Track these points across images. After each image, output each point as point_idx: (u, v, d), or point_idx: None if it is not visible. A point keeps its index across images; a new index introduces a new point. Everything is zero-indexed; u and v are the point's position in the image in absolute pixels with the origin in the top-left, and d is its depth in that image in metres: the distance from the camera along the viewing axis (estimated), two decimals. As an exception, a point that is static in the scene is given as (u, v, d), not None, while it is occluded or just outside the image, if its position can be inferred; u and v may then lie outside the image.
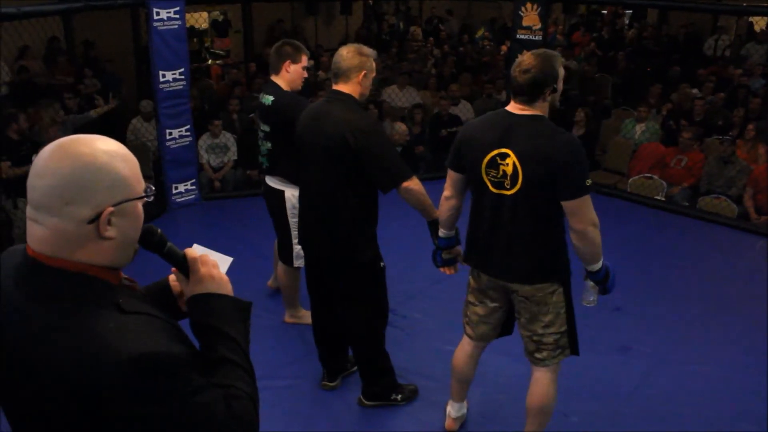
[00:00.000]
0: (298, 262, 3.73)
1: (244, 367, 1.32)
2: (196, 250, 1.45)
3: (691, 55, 10.70)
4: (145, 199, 1.28)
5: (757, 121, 7.15)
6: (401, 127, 7.06)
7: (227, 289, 1.39)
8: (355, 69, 2.91)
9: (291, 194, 3.66)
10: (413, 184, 2.88)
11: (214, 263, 1.41)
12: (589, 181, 2.45)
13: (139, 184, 1.26)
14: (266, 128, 3.67)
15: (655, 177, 6.65)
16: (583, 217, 2.46)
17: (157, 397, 1.15)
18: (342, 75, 2.93)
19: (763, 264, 5.17)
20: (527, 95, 2.49)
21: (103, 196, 1.19)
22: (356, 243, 3.00)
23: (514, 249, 2.59)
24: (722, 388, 3.58)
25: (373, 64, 2.98)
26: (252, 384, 1.32)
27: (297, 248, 3.68)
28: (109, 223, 1.20)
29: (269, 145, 3.68)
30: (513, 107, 2.55)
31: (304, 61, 3.67)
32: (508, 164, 2.48)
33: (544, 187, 2.46)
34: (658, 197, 6.47)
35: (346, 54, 2.93)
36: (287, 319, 4.13)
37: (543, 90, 2.47)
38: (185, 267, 1.40)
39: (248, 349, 1.37)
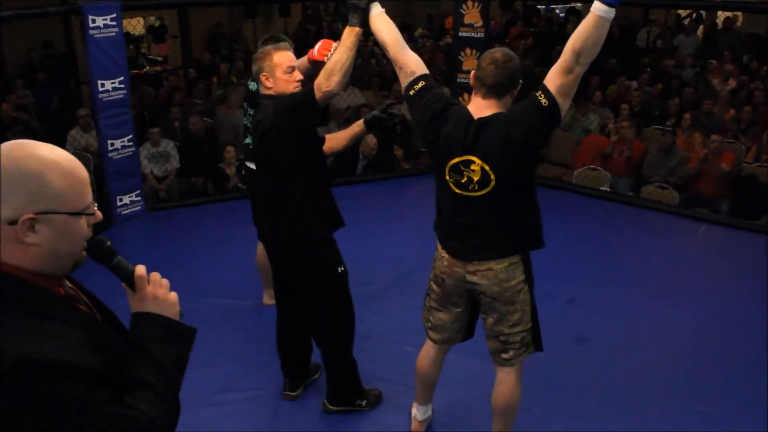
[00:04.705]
0: None
1: (158, 391, 1.31)
2: None
3: (627, 48, 10.96)
4: (84, 216, 1.28)
5: (692, 111, 7.40)
6: (372, 140, 6.79)
7: (170, 311, 1.40)
8: (257, 75, 2.98)
9: None
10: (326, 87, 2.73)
11: (164, 283, 1.41)
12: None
13: (77, 200, 1.26)
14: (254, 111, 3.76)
15: (599, 168, 6.79)
16: (566, 57, 2.33)
17: (31, 403, 1.13)
18: (256, 80, 3.07)
19: (707, 249, 5.36)
20: (503, 87, 2.43)
21: (23, 201, 1.20)
22: (307, 225, 2.95)
23: (481, 237, 2.56)
24: (677, 374, 3.68)
25: (273, 60, 2.91)
26: (162, 408, 1.30)
27: None
28: (32, 229, 1.21)
29: None
30: (477, 107, 2.48)
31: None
32: (474, 170, 2.46)
33: (520, 170, 2.46)
34: (603, 188, 6.61)
35: (252, 63, 3.04)
36: (266, 300, 4.22)
37: (516, 83, 2.46)
38: (133, 282, 1.40)
39: (178, 373, 1.37)
